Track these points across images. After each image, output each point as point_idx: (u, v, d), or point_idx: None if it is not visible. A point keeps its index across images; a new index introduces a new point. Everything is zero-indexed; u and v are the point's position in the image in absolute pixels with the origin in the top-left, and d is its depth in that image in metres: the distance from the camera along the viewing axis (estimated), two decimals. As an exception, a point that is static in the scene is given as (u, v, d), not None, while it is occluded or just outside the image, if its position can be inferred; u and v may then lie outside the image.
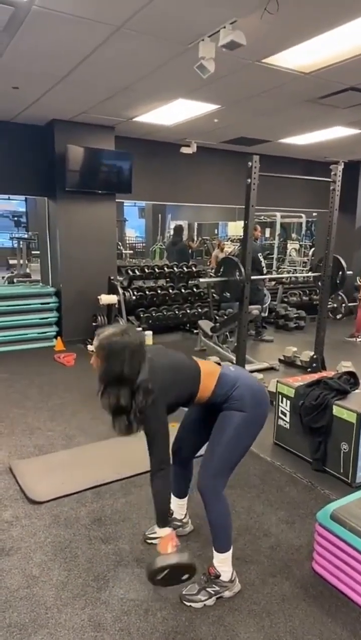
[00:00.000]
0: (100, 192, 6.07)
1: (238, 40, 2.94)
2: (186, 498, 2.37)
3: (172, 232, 9.98)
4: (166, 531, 1.84)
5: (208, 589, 1.98)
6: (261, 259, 6.45)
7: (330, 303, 5.82)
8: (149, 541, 2.34)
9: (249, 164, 3.89)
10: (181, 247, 8.57)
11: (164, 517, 1.87)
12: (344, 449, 2.90)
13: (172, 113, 5.22)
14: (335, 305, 6.91)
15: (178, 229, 9.03)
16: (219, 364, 2.11)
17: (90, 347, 5.93)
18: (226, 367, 2.06)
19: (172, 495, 2.34)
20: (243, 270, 4.14)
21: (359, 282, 8.45)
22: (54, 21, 3.05)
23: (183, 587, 2.00)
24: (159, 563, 1.76)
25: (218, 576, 1.99)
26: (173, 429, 2.40)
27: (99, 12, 2.92)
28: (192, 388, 1.95)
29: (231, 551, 2.02)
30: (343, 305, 6.87)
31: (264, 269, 6.45)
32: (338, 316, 6.82)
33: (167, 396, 1.87)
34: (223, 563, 2.01)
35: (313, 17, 2.96)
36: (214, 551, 2.02)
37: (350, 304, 7.54)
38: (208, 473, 1.95)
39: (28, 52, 3.61)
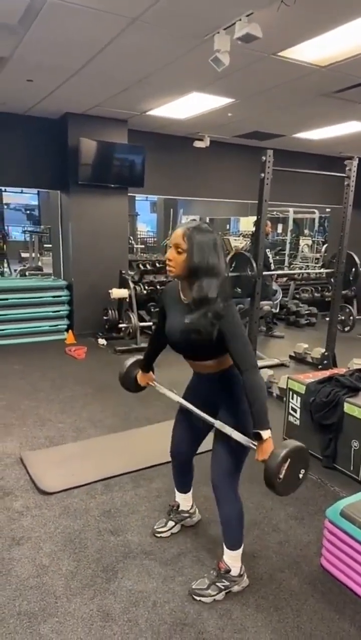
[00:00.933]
0: (112, 185, 6.07)
1: (254, 33, 2.91)
2: (191, 491, 2.38)
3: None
4: (270, 433, 1.71)
5: (217, 584, 1.98)
6: (269, 255, 6.44)
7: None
8: (158, 535, 2.34)
9: (263, 158, 3.86)
10: None
11: (267, 417, 1.71)
12: (355, 446, 2.88)
13: (186, 106, 5.19)
14: (343, 317, 6.82)
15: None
16: None
17: (101, 341, 5.96)
18: None
19: (176, 491, 2.36)
20: (254, 265, 4.13)
21: None
22: (69, 13, 3.04)
23: (193, 582, 2.00)
24: (280, 455, 1.62)
25: (228, 571, 1.99)
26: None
27: (114, 4, 2.91)
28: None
29: (242, 548, 2.02)
30: (351, 317, 6.81)
31: (272, 264, 6.43)
32: (346, 329, 6.75)
33: None
34: (233, 559, 2.01)
35: (329, 9, 2.92)
36: (225, 548, 2.01)
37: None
38: (222, 467, 1.93)
39: (43, 45, 3.61)
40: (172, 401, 2.15)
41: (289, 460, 1.63)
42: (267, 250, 6.38)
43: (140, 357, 2.33)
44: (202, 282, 1.72)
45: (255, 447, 1.72)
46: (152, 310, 6.57)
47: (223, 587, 1.98)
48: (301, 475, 1.70)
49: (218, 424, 1.90)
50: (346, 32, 3.21)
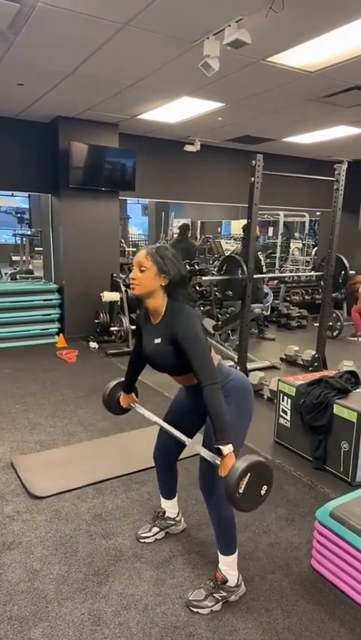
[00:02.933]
0: (103, 189, 6.08)
1: (243, 39, 2.94)
2: (176, 497, 2.38)
3: (176, 231, 10.00)
4: (231, 447, 1.69)
5: (215, 595, 1.95)
6: (261, 257, 6.48)
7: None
8: (142, 541, 2.33)
9: (253, 162, 3.89)
10: (186, 245, 8.59)
11: (228, 432, 1.69)
12: (344, 447, 2.91)
13: (176, 111, 5.22)
14: (330, 323, 6.88)
15: (184, 228, 9.04)
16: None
17: (92, 345, 5.95)
18: (219, 358, 2.05)
19: (162, 498, 2.36)
20: (245, 268, 4.15)
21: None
22: (59, 18, 3.05)
23: (190, 593, 1.97)
24: (239, 469, 1.59)
25: (225, 582, 1.96)
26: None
27: (104, 9, 2.93)
28: None
29: (236, 553, 2.00)
30: (339, 323, 6.87)
31: (264, 267, 6.48)
32: (335, 333, 6.80)
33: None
34: (229, 566, 1.98)
35: (318, 15, 2.96)
36: (219, 554, 1.99)
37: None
38: (211, 473, 1.91)
39: (33, 49, 3.61)
40: (163, 404, 2.16)
41: (249, 474, 1.60)
42: (258, 253, 6.42)
43: (122, 379, 2.33)
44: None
45: (219, 464, 1.71)
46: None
47: (220, 598, 1.95)
48: (263, 492, 1.68)
49: (188, 442, 1.99)
50: (334, 38, 3.25)
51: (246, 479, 1.60)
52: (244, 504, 1.66)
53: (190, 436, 2.17)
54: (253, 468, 1.62)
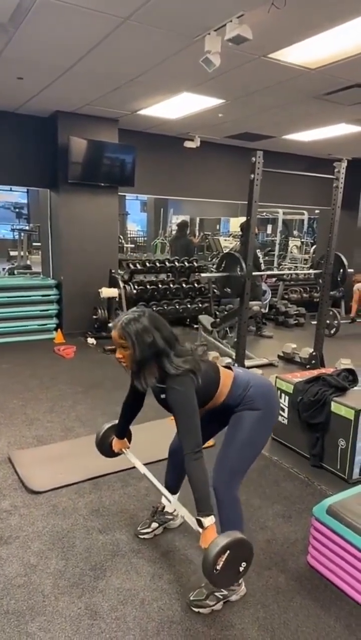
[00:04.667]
0: (103, 184, 6.06)
1: (244, 35, 2.93)
2: (177, 495, 2.38)
3: (175, 227, 10.02)
4: (213, 519, 1.69)
5: (216, 594, 1.94)
6: (260, 255, 6.48)
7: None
8: (141, 536, 2.34)
9: (253, 159, 3.89)
10: (185, 242, 8.57)
11: (209, 503, 1.71)
12: (341, 445, 2.92)
13: (176, 106, 5.20)
14: (328, 321, 6.88)
15: (182, 225, 9.03)
16: (229, 367, 2.08)
17: (90, 341, 5.95)
18: (236, 369, 2.06)
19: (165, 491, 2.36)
20: (244, 266, 4.15)
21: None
22: (61, 12, 3.04)
23: (191, 593, 1.97)
24: (218, 545, 1.57)
25: None
26: (171, 423, 2.42)
27: (105, 3, 2.91)
28: (211, 388, 1.93)
29: None
30: (336, 321, 6.88)
31: (262, 265, 6.48)
32: (333, 331, 6.80)
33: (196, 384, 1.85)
34: None
35: (320, 12, 2.95)
36: None
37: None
38: (225, 471, 1.94)
39: (33, 43, 3.59)
40: (157, 406, 2.16)
41: (228, 552, 1.58)
42: (257, 250, 6.43)
43: (116, 421, 2.33)
44: (149, 370, 1.81)
45: (200, 533, 1.70)
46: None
47: (221, 597, 1.94)
48: (241, 569, 1.66)
49: (172, 499, 2.07)
50: (336, 35, 3.25)
51: (225, 556, 1.58)
52: (220, 580, 1.66)
53: (206, 432, 2.22)
54: (233, 545, 1.60)
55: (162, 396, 1.87)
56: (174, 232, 11.35)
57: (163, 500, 2.39)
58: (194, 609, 1.92)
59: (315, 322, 5.21)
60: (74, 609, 1.90)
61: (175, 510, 2.41)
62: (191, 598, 1.95)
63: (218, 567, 1.58)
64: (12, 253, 12.75)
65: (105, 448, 2.36)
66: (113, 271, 6.23)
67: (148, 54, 3.73)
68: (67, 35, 3.42)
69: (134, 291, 6.54)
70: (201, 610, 1.91)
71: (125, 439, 2.35)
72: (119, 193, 6.49)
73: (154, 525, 2.36)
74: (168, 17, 3.06)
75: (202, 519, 1.68)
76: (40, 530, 2.37)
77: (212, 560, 1.57)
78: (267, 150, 4.25)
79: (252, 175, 3.92)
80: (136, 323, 1.79)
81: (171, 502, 1.99)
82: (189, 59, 3.64)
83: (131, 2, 2.89)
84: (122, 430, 2.32)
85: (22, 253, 11.12)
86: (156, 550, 2.26)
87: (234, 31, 2.95)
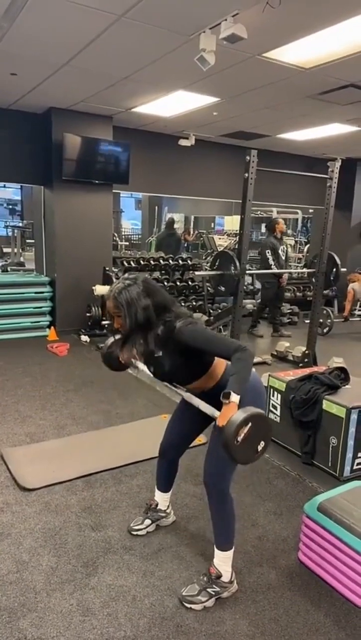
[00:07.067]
0: (97, 182, 6.04)
1: (239, 34, 2.93)
2: (170, 492, 2.39)
3: (164, 225, 10.27)
4: (238, 398, 1.68)
5: (208, 589, 1.95)
6: (269, 256, 6.31)
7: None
8: (134, 533, 2.34)
9: (247, 158, 3.89)
10: (175, 239, 8.77)
11: (242, 387, 1.70)
12: (333, 443, 2.94)
13: (171, 104, 5.20)
14: (321, 320, 6.89)
15: (171, 222, 9.26)
16: None
17: (83, 338, 5.94)
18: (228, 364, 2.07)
19: (157, 490, 2.38)
20: (238, 264, 4.16)
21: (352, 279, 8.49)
22: (55, 7, 3.02)
23: (183, 588, 1.97)
24: (240, 416, 1.59)
25: (219, 576, 1.96)
26: (164, 420, 2.43)
27: (100, 0, 2.90)
28: (206, 358, 1.93)
29: (232, 550, 2.00)
30: (329, 320, 6.92)
31: (274, 267, 6.31)
32: (325, 330, 6.83)
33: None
34: (224, 562, 1.98)
35: (314, 12, 2.96)
36: (215, 549, 2.00)
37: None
38: (216, 466, 1.94)
39: (28, 38, 3.57)
40: (154, 398, 2.17)
41: (250, 424, 1.60)
42: (267, 251, 6.35)
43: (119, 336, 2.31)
44: (140, 339, 1.83)
45: (217, 417, 1.71)
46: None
47: (213, 593, 1.95)
48: (260, 448, 1.67)
49: (186, 395, 1.98)
50: (330, 35, 3.26)
51: (246, 428, 1.59)
52: (240, 454, 1.64)
53: (186, 448, 2.25)
54: (254, 418, 1.62)
55: (158, 354, 1.87)
56: (161, 230, 11.52)
57: (157, 497, 2.40)
58: (186, 604, 1.93)
59: (308, 321, 5.23)
60: (65, 605, 1.91)
61: (168, 507, 2.42)
62: (184, 593, 1.96)
63: (239, 439, 1.58)
64: (5, 250, 12.69)
65: (113, 361, 2.28)
66: (107, 268, 6.22)
67: (143, 52, 3.72)
68: (61, 31, 3.40)
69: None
70: (193, 606, 1.92)
71: None
72: (114, 190, 6.47)
73: (147, 522, 2.37)
74: (163, 14, 3.05)
75: (231, 392, 1.66)
76: (33, 528, 2.38)
77: (234, 431, 1.57)
78: (261, 149, 4.25)
79: (246, 174, 3.92)
80: (127, 291, 1.80)
81: (181, 392, 1.98)
82: (184, 57, 3.64)
83: (126, -1, 2.88)
84: None
85: (15, 250, 11.07)
86: (148, 547, 2.27)
87: (229, 30, 2.94)
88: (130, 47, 3.65)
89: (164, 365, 1.90)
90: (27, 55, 3.91)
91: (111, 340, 2.31)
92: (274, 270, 6.26)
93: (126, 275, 1.90)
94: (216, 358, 1.95)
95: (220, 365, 1.96)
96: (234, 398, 1.66)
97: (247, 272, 4.71)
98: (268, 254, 6.36)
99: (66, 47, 3.70)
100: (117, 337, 2.27)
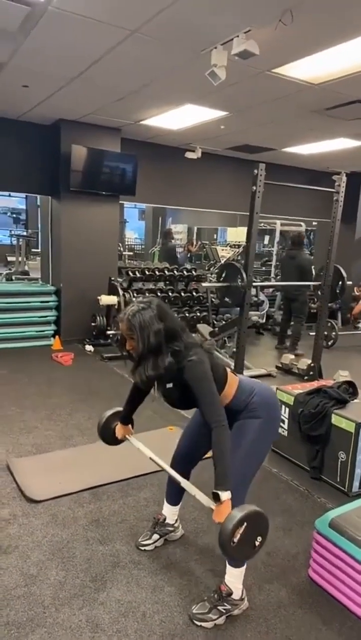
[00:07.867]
0: (104, 193, 6.08)
1: (251, 50, 2.97)
2: (179, 505, 2.37)
3: (160, 236, 10.78)
4: (230, 494, 1.68)
5: (219, 607, 1.92)
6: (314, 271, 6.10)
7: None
8: (142, 548, 2.31)
9: (255, 171, 3.92)
10: (170, 248, 9.29)
11: (229, 478, 1.70)
12: (342, 458, 2.92)
13: (179, 118, 5.25)
14: (326, 332, 6.82)
15: (167, 233, 9.66)
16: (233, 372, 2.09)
17: (88, 348, 5.93)
18: (240, 375, 2.07)
19: (166, 503, 2.35)
20: (244, 276, 4.17)
21: (356, 292, 8.50)
22: (69, 22, 3.07)
23: (193, 606, 1.94)
24: (235, 517, 1.57)
25: (229, 594, 1.93)
26: (171, 432, 2.42)
27: (114, 15, 2.95)
28: (219, 381, 1.92)
29: (245, 567, 1.97)
30: (334, 332, 6.92)
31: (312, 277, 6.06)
32: (330, 343, 6.82)
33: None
34: (236, 579, 1.95)
35: (326, 29, 3.00)
36: (227, 566, 1.96)
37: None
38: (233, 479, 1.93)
39: (41, 52, 3.62)
40: (160, 410, 2.17)
41: (245, 524, 1.58)
42: (313, 266, 6.15)
43: (120, 408, 2.31)
44: (150, 363, 1.80)
45: (213, 509, 1.70)
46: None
47: (224, 611, 1.92)
48: (257, 544, 1.66)
49: (185, 485, 1.95)
50: (340, 51, 3.30)
51: (242, 529, 1.58)
52: (237, 554, 1.66)
53: (198, 461, 2.24)
54: (249, 518, 1.60)
55: (168, 385, 1.89)
56: (161, 241, 11.79)
57: (165, 510, 2.38)
58: (196, 622, 1.90)
59: (313, 334, 5.22)
60: (74, 620, 1.88)
61: (176, 521, 2.40)
62: (194, 611, 1.93)
63: (235, 540, 1.57)
64: (9, 258, 12.73)
65: (108, 435, 2.31)
66: (113, 279, 6.24)
67: (154, 66, 3.77)
68: (75, 45, 3.45)
69: (133, 299, 6.54)
70: (204, 624, 1.89)
71: (129, 425, 2.32)
72: (120, 201, 6.51)
73: (155, 537, 2.35)
74: (176, 30, 3.10)
75: (220, 493, 1.66)
76: (40, 540, 2.35)
77: (230, 533, 1.56)
78: (267, 162, 4.28)
79: (254, 187, 3.95)
80: (141, 315, 1.80)
81: (182, 484, 1.96)
82: (194, 71, 3.68)
83: (141, 15, 2.92)
84: (127, 417, 2.29)
85: (20, 259, 11.10)
86: (156, 562, 2.25)
87: (241, 46, 2.98)
88: (141, 62, 3.69)
89: (174, 395, 1.92)
90: (39, 68, 3.96)
91: (110, 412, 2.34)
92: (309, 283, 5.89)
93: (140, 298, 1.91)
94: (228, 378, 1.96)
95: (232, 383, 1.97)
96: (225, 497, 1.67)
97: (253, 284, 4.72)
98: (314, 269, 6.22)
99: (78, 60, 3.75)
100: (116, 409, 2.33)
